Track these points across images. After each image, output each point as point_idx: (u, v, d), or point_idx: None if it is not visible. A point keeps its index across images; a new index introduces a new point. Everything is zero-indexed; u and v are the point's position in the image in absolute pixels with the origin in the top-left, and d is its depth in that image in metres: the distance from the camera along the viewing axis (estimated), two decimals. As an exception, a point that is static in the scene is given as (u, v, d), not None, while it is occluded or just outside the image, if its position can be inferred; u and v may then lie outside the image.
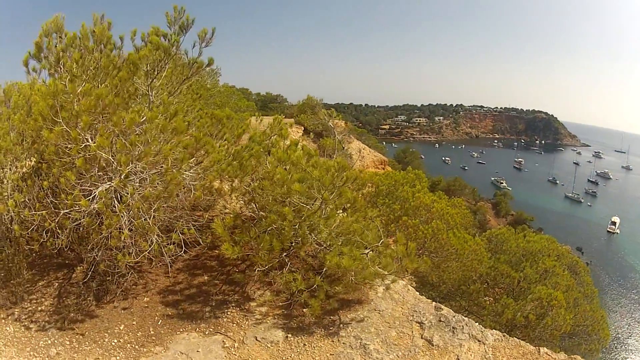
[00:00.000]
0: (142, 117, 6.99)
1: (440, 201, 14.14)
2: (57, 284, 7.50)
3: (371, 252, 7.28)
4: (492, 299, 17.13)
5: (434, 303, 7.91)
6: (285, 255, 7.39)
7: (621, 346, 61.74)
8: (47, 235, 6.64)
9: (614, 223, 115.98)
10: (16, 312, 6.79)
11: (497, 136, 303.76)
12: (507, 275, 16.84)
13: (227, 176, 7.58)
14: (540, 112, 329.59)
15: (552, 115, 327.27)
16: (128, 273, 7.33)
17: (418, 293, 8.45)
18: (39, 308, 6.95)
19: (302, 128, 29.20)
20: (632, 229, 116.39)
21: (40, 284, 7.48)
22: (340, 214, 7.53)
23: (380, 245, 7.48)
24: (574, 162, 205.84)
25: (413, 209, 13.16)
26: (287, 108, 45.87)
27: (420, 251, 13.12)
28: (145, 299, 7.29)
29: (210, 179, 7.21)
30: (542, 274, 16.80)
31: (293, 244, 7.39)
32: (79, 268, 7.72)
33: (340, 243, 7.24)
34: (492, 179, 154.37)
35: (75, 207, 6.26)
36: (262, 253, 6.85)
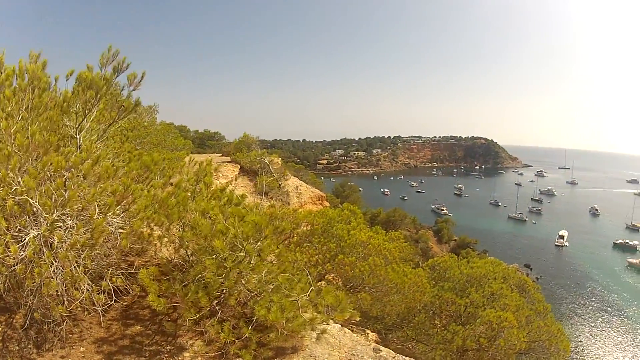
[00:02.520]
0: (69, 161, 6.82)
1: (376, 236, 14.06)
2: None
3: (303, 298, 7.11)
4: (440, 326, 17.13)
5: (372, 345, 7.76)
6: (216, 303, 7.19)
7: (586, 353, 63.56)
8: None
9: (562, 237, 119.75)
10: (-40, 355, 6.47)
11: (436, 165, 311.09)
12: (453, 302, 16.90)
13: (152, 224, 7.39)
14: (480, 138, 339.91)
15: (491, 140, 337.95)
16: (63, 322, 7.07)
17: (356, 335, 8.34)
18: (-18, 352, 6.62)
19: (239, 166, 29.00)
20: (581, 239, 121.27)
21: (-18, 327, 7.16)
22: (268, 264, 7.34)
23: (310, 293, 7.26)
24: (516, 183, 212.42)
25: (349, 246, 13.06)
26: (224, 145, 45.68)
27: (360, 287, 13.06)
28: (81, 348, 6.99)
29: (135, 227, 7.00)
30: (488, 298, 16.88)
31: (224, 293, 7.21)
32: (18, 314, 7.43)
33: (270, 290, 7.07)
34: (432, 206, 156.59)
35: (6, 253, 6.03)
36: (188, 305, 6.69)
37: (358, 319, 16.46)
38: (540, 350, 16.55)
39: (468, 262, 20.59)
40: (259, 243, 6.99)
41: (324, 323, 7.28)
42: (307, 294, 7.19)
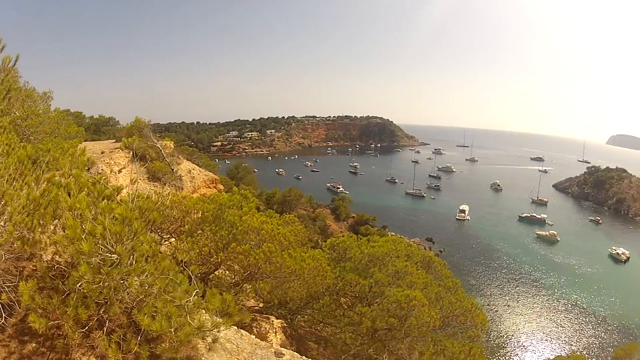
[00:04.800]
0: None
1: (270, 221, 13.60)
2: None
3: (189, 303, 6.52)
4: (346, 307, 17.03)
5: (273, 348, 7.37)
6: (102, 311, 6.60)
7: (505, 323, 66.96)
8: None
9: (463, 211, 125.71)
10: None
11: (331, 144, 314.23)
12: (356, 283, 16.72)
13: (28, 227, 6.83)
14: (375, 117, 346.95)
15: (387, 119, 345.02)
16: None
17: (255, 336, 8.13)
18: None
19: (130, 152, 28.07)
20: (483, 213, 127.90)
21: None
22: (148, 265, 6.70)
23: (194, 297, 6.70)
24: (413, 161, 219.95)
25: (241, 233, 12.62)
26: (118, 131, 44.32)
27: (257, 275, 12.84)
28: (-12, 371, 6.68)
29: (6, 236, 6.49)
30: (393, 276, 16.81)
31: (107, 301, 6.79)
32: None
33: (154, 295, 6.51)
34: (328, 185, 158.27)
35: None
36: (69, 322, 6.25)
37: (260, 306, 16.36)
38: (456, 326, 16.79)
39: (368, 240, 20.44)
40: (131, 242, 6.52)
41: (216, 329, 6.72)
42: (192, 297, 6.68)
